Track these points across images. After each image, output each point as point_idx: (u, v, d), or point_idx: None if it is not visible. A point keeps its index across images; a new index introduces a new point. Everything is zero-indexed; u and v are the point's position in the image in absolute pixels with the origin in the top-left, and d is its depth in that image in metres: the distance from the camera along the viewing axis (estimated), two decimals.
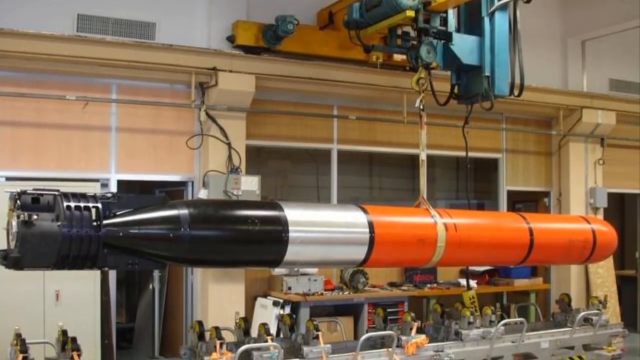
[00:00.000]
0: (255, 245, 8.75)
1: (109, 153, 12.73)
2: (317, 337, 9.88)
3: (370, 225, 9.63)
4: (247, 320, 10.45)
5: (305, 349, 9.82)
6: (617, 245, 13.22)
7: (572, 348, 12.98)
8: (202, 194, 12.83)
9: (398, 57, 13.95)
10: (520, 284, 16.21)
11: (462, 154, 12.76)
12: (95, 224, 7.71)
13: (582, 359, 13.16)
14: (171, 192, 13.33)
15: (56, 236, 7.48)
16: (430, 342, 11.16)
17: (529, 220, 11.76)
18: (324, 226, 9.42)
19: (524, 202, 17.97)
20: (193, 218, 8.16)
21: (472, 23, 11.82)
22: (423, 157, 11.41)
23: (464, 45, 11.59)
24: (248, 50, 13.29)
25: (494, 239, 11.28)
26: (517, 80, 12.00)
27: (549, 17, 17.37)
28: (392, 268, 15.30)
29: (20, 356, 8.33)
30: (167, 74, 12.83)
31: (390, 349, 10.54)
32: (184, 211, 8.15)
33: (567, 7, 17.64)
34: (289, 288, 13.45)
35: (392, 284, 15.09)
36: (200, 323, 9.85)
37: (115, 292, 13.12)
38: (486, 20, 11.58)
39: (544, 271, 17.35)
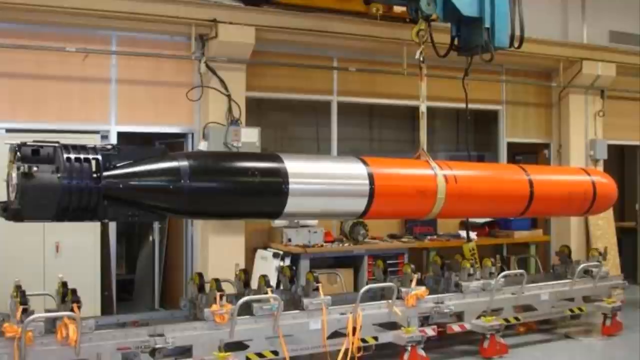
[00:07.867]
0: (255, 197, 8.79)
1: (109, 105, 12.68)
2: (317, 289, 9.96)
3: (370, 177, 9.66)
4: (247, 272, 10.52)
5: (305, 300, 9.89)
6: (617, 197, 13.29)
7: (572, 300, 13.08)
8: (202, 146, 12.80)
9: (398, 9, 13.85)
10: (520, 235, 16.21)
11: (462, 105, 12.75)
12: (95, 175, 7.74)
13: (582, 310, 13.26)
14: (171, 144, 13.27)
15: (56, 188, 7.51)
16: (430, 294, 11.25)
17: (529, 172, 11.81)
18: (324, 178, 9.46)
19: (524, 153, 17.93)
20: (193, 170, 8.18)
21: None
22: (423, 108, 11.44)
23: None
24: (248, 1, 13.19)
25: (494, 191, 11.32)
26: (517, 32, 11.98)
27: None
28: (392, 220, 15.30)
29: (20, 308, 8.37)
30: (167, 25, 12.74)
31: (390, 301, 10.61)
32: (184, 163, 8.18)
33: None
34: (289, 240, 13.46)
35: (392, 236, 15.11)
36: (200, 275, 9.92)
37: (115, 244, 13.12)
38: None
39: (543, 223, 17.36)
